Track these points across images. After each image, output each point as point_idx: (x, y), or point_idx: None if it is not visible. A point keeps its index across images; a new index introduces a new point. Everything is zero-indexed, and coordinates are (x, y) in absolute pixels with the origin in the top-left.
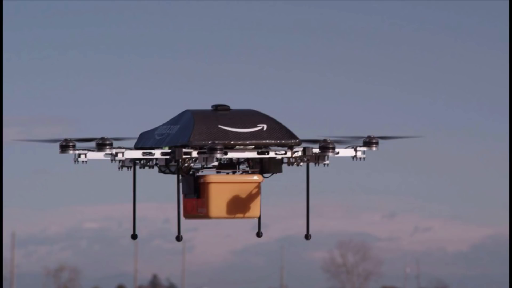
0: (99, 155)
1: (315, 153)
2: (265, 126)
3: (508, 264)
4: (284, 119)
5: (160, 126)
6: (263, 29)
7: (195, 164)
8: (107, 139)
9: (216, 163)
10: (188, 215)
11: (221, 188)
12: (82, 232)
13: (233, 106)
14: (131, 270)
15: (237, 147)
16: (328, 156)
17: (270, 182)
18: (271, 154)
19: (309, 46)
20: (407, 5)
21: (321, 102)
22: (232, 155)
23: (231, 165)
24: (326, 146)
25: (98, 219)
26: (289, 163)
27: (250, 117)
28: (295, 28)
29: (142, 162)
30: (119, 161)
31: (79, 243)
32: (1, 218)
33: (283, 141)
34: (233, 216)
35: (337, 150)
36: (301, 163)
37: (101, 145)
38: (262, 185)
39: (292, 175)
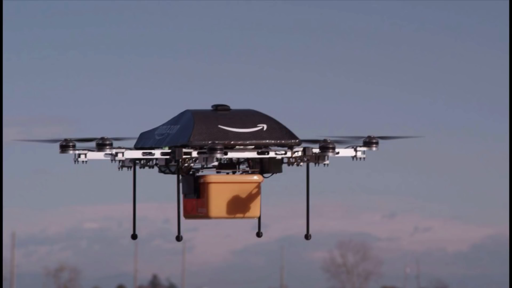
0: (99, 155)
1: (315, 153)
2: (265, 126)
3: (508, 264)
4: (284, 119)
5: (160, 126)
6: (263, 29)
7: (195, 164)
8: (107, 139)
9: (216, 163)
10: (188, 215)
11: (221, 188)
12: (82, 232)
13: (233, 106)
14: (131, 270)
15: (237, 147)
16: (328, 156)
17: (270, 182)
18: (271, 154)
19: (309, 46)
20: (407, 5)
21: (321, 102)
22: (232, 155)
23: (231, 165)
24: (326, 146)
25: (98, 219)
26: (289, 163)
27: (250, 117)
28: (295, 28)
29: (142, 162)
30: (119, 161)
31: (79, 243)
32: (1, 218)
33: (283, 141)
34: (233, 216)
35: (337, 150)
36: (301, 163)
37: (101, 145)
38: (262, 185)
39: (292, 175)
